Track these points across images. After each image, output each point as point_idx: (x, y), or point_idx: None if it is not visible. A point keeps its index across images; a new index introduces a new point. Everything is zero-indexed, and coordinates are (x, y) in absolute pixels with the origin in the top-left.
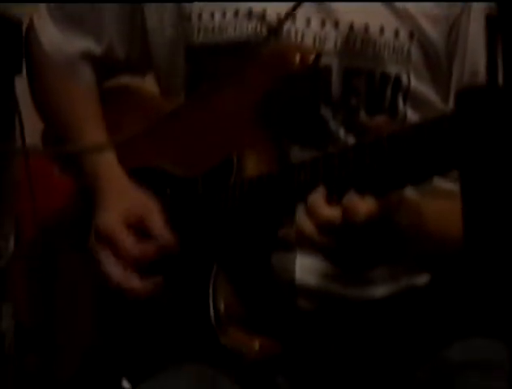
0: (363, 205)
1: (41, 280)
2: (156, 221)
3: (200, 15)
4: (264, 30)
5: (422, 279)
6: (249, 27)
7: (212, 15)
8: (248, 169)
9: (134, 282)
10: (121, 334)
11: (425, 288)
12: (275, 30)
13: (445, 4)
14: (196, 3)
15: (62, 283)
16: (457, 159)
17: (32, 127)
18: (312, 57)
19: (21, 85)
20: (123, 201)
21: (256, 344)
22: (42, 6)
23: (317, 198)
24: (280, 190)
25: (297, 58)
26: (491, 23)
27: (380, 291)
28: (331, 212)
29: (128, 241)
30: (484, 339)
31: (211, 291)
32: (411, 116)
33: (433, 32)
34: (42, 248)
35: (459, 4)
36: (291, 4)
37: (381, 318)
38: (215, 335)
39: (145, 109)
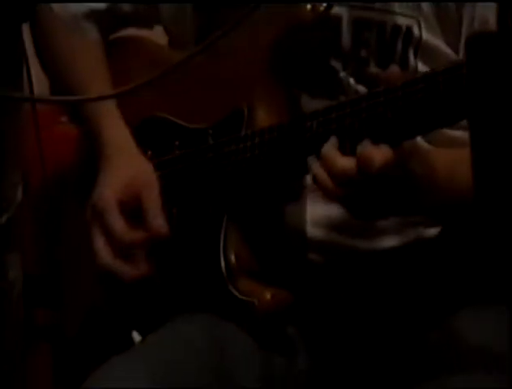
0: (378, 154)
1: (48, 231)
2: (152, 205)
3: None
4: None
5: (432, 230)
6: None
7: None
8: (259, 120)
9: (121, 267)
10: (130, 285)
11: (435, 239)
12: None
13: None
14: None
15: (69, 234)
16: (468, 107)
17: (39, 76)
18: (323, 5)
19: (29, 34)
20: (123, 174)
21: (268, 295)
22: None
23: (331, 148)
24: (292, 140)
25: (308, 7)
26: None
27: (389, 242)
28: (346, 162)
29: (119, 224)
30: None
31: (221, 242)
32: (422, 68)
33: None
34: (49, 199)
35: None
36: None
37: (390, 269)
38: (225, 286)
39: (152, 59)
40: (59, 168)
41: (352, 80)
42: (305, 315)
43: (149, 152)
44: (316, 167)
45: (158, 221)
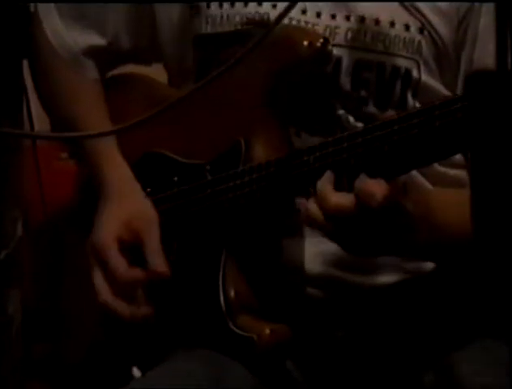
0: (378, 188)
1: (49, 266)
2: (152, 245)
3: (208, 5)
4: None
5: (429, 265)
6: (256, 18)
7: (221, 5)
8: (256, 155)
9: (120, 306)
10: (130, 323)
11: (432, 274)
12: (281, 16)
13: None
14: None
15: (70, 268)
16: (465, 142)
17: (40, 112)
18: (320, 41)
19: (29, 70)
20: (123, 213)
21: (267, 330)
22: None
23: (326, 184)
24: (289, 175)
25: (306, 42)
26: (500, 6)
27: (388, 277)
28: (340, 199)
29: (119, 263)
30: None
31: (220, 277)
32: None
33: (442, 27)
34: (50, 233)
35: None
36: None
37: (387, 305)
38: (225, 322)
39: (151, 96)
40: (59, 204)
41: (351, 118)
42: (304, 350)
43: (148, 189)
44: (309, 202)
45: (158, 261)
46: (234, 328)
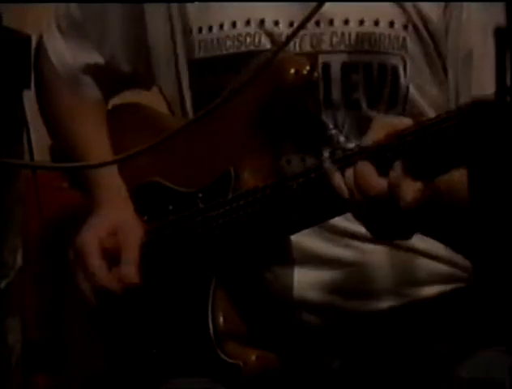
0: (411, 188)
1: (50, 295)
2: (129, 253)
3: (200, 29)
4: (263, 40)
5: (427, 291)
6: (247, 39)
7: (210, 28)
8: (245, 182)
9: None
10: (123, 350)
11: (429, 300)
12: (284, 44)
13: None
14: (196, 17)
15: (71, 298)
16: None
17: (40, 142)
18: (307, 68)
19: (29, 99)
20: (108, 222)
21: (253, 357)
22: (52, 18)
23: (367, 166)
24: (274, 200)
25: (292, 71)
26: (500, 35)
27: (383, 304)
28: (379, 181)
29: (99, 267)
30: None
31: (210, 305)
32: (410, 107)
33: (430, 10)
34: (50, 262)
35: None
36: (285, 9)
37: (384, 331)
38: (213, 349)
39: (151, 126)
40: (59, 233)
41: (342, 138)
42: (297, 380)
43: (145, 217)
44: (337, 178)
45: (129, 269)
46: (222, 355)
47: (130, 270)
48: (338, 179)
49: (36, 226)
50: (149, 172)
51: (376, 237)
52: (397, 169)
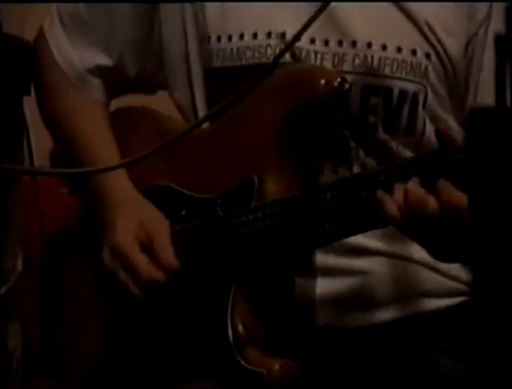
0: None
1: (50, 300)
2: (162, 240)
3: (219, 38)
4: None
5: (432, 303)
6: (268, 51)
7: (230, 38)
8: (269, 192)
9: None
10: (136, 354)
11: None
12: (288, 46)
13: (464, 20)
14: (214, 25)
15: (71, 302)
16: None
17: (40, 148)
18: (338, 80)
19: (30, 105)
20: (134, 217)
21: (277, 366)
22: (53, 12)
23: (417, 186)
24: (305, 213)
25: (323, 81)
26: (500, 43)
27: (386, 314)
28: (428, 198)
29: (141, 261)
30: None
31: (229, 311)
32: (430, 133)
33: (452, 46)
34: (50, 268)
35: (477, 21)
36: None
37: (390, 343)
38: (233, 356)
39: (156, 129)
40: (59, 239)
41: (361, 152)
42: (313, 386)
43: None
44: (394, 196)
45: (167, 253)
46: (243, 362)
47: (167, 255)
48: (390, 205)
49: (36, 232)
50: (160, 177)
51: (437, 259)
52: (446, 185)
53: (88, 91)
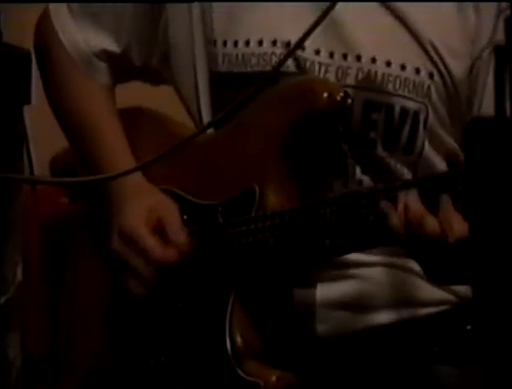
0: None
1: (50, 309)
2: (173, 223)
3: (225, 42)
4: (289, 62)
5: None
6: (273, 59)
7: (236, 43)
8: (270, 203)
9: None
10: (134, 357)
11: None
12: (290, 52)
13: (468, 43)
14: (221, 29)
15: (71, 302)
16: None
17: (40, 159)
18: (341, 94)
19: (30, 115)
20: (144, 204)
21: (273, 377)
22: None
23: (417, 203)
24: (304, 226)
25: (325, 94)
26: (499, 52)
27: (382, 319)
28: (433, 220)
29: (153, 243)
30: None
31: (227, 322)
32: (428, 153)
33: (456, 67)
34: (50, 277)
35: (480, 44)
36: (312, 35)
37: (382, 348)
38: (231, 367)
39: (162, 133)
40: (58, 246)
41: (358, 169)
42: None
43: None
44: (398, 210)
45: (177, 235)
46: (241, 373)
47: (179, 234)
48: (396, 221)
49: (35, 241)
50: (163, 181)
51: (432, 281)
52: (447, 204)
53: (94, 74)
